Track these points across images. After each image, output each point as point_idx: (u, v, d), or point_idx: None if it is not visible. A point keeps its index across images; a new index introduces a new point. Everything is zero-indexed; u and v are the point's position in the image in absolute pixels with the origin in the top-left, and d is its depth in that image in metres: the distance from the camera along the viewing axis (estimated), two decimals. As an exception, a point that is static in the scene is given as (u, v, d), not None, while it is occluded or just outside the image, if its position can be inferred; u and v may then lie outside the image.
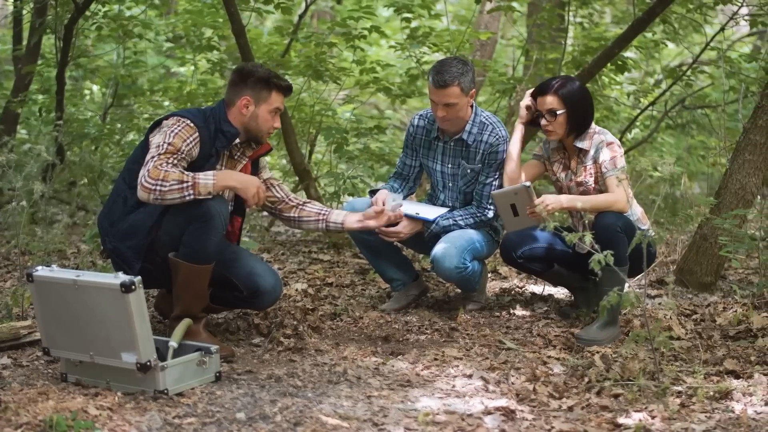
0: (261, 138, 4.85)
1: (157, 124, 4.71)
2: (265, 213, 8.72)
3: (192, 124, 4.62)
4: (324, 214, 5.14)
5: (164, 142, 4.54)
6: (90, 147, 8.66)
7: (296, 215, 5.14)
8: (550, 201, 5.00)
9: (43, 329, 4.21)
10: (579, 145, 5.23)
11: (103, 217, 4.77)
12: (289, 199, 5.14)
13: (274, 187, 5.12)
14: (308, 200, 5.20)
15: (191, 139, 4.60)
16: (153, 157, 4.49)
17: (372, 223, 5.19)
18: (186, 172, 4.45)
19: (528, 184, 5.03)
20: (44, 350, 4.24)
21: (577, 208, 5.13)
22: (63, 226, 7.17)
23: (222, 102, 4.83)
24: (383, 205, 5.33)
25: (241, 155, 4.86)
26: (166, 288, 4.96)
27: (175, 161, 4.51)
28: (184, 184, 4.40)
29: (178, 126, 4.61)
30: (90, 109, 9.89)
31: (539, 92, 5.25)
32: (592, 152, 5.19)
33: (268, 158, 5.15)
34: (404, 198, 5.67)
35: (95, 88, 11.07)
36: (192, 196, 4.43)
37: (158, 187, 4.40)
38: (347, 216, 5.17)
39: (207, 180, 4.44)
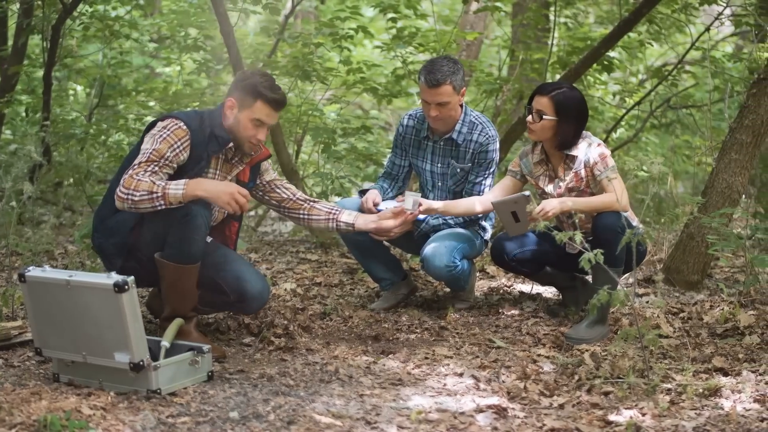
0: (242, 145, 4.74)
1: (153, 124, 4.72)
2: (252, 213, 8.75)
3: (184, 127, 4.61)
4: (334, 214, 5.13)
5: (150, 148, 4.54)
6: (76, 147, 8.64)
7: (305, 214, 5.13)
8: (550, 207, 5.01)
9: (35, 329, 4.21)
10: (567, 151, 5.23)
11: (96, 213, 4.81)
12: (297, 198, 5.11)
13: (279, 188, 5.09)
14: (317, 199, 5.18)
15: (180, 143, 4.59)
16: (134, 164, 4.51)
17: (390, 224, 5.15)
18: (157, 182, 4.42)
19: (527, 193, 5.06)
20: (36, 350, 4.23)
21: (578, 210, 5.12)
22: (50, 226, 7.15)
23: (222, 104, 4.80)
24: (373, 205, 5.36)
25: (238, 160, 4.84)
26: (155, 287, 4.97)
27: (156, 168, 4.51)
28: (154, 195, 4.40)
29: (169, 129, 4.60)
30: (75, 109, 9.86)
31: (538, 91, 5.24)
32: (582, 157, 5.19)
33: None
34: (393, 197, 5.70)
35: (79, 88, 11.04)
36: (163, 206, 4.43)
37: (130, 197, 4.42)
38: (358, 217, 5.15)
39: (177, 190, 4.42)
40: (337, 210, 5.14)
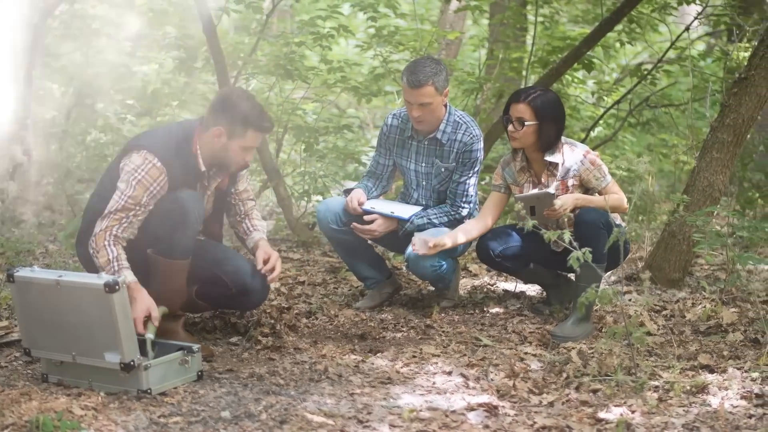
0: (229, 168, 4.74)
1: (127, 150, 4.64)
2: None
3: (159, 165, 4.54)
4: (246, 234, 5.04)
5: (127, 193, 4.49)
6: (56, 146, 8.60)
7: (237, 228, 5.10)
8: (569, 204, 5.10)
9: (23, 330, 4.20)
10: (549, 158, 5.27)
11: (81, 228, 4.80)
12: (240, 217, 5.04)
13: (239, 202, 5.03)
14: (249, 215, 5.07)
15: (156, 184, 4.54)
16: (111, 211, 4.48)
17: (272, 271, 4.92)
18: (114, 259, 4.39)
19: (552, 191, 5.11)
20: (25, 351, 4.23)
21: (593, 206, 5.17)
22: (31, 225, 7.13)
23: (195, 125, 4.73)
24: (358, 204, 5.39)
25: (215, 173, 4.79)
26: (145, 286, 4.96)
27: (132, 218, 4.49)
28: (108, 266, 4.39)
29: (144, 170, 4.52)
30: (52, 107, 9.80)
31: (514, 98, 5.29)
32: (567, 164, 5.24)
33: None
34: (378, 197, 5.71)
35: (54, 86, 10.98)
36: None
37: (94, 255, 4.44)
38: (255, 251, 4.96)
39: (126, 278, 4.31)
40: (248, 232, 5.03)
